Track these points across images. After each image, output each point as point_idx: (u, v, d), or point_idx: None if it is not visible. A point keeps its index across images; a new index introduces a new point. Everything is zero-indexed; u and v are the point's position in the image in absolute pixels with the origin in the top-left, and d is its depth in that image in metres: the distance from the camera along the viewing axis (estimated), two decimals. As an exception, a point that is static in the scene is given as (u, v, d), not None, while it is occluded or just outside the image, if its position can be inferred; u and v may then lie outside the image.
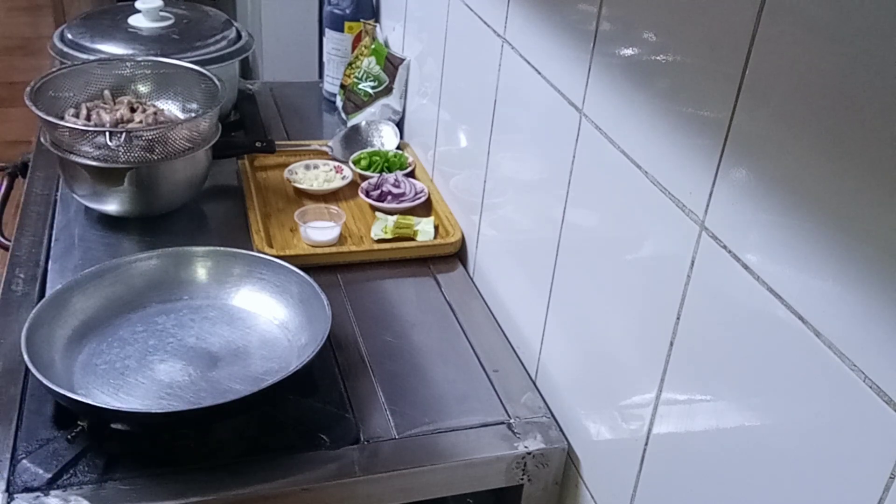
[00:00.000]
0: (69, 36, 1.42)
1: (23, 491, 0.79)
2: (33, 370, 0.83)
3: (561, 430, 0.93)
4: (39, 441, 0.85)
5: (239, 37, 1.51)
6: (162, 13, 1.46)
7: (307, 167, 1.37)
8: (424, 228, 1.23)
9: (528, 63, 0.97)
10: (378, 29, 1.57)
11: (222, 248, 1.06)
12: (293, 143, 1.46)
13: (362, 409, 0.93)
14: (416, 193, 1.31)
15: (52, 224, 1.21)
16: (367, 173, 1.36)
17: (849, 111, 0.52)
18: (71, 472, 0.82)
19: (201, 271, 1.05)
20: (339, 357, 1.00)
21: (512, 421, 0.94)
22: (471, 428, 0.92)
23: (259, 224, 1.21)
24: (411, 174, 1.38)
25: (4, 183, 1.34)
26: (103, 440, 0.84)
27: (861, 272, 0.52)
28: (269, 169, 1.39)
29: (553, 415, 0.95)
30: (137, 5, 1.44)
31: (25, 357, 0.84)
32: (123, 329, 0.98)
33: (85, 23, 1.46)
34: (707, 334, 0.68)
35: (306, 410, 0.91)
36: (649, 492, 0.78)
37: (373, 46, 1.52)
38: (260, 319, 1.01)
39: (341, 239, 1.21)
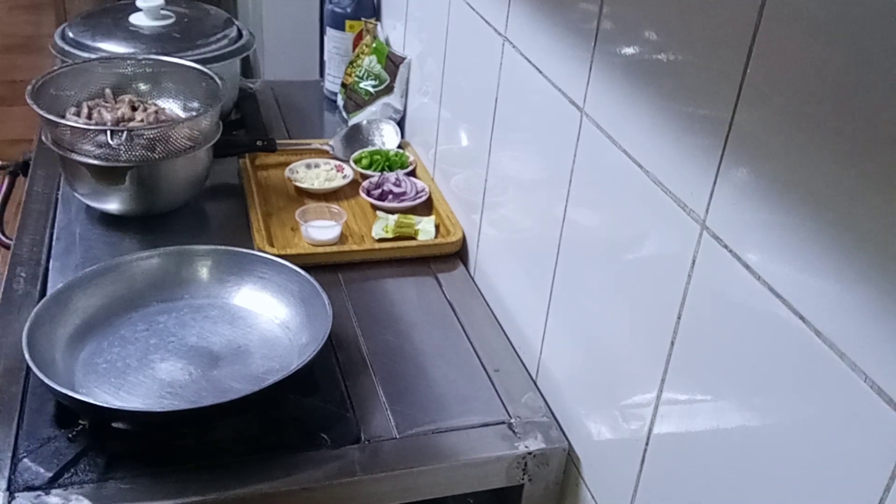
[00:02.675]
0: (70, 34, 1.42)
1: (24, 490, 0.80)
2: (34, 369, 0.83)
3: (561, 429, 0.93)
4: (40, 440, 0.85)
5: (240, 35, 1.51)
6: (163, 12, 1.46)
7: (308, 166, 1.37)
8: (425, 228, 1.23)
9: (530, 62, 0.97)
10: (379, 27, 1.57)
11: (223, 247, 1.07)
12: (294, 142, 1.46)
13: (363, 408, 0.93)
14: (417, 193, 1.31)
15: (53, 223, 1.21)
16: (369, 172, 1.36)
17: (849, 111, 0.52)
18: (72, 470, 0.82)
19: (202, 270, 1.05)
20: (340, 356, 1.00)
21: (512, 421, 0.94)
22: (471, 428, 0.92)
23: (260, 223, 1.21)
24: (412, 173, 1.38)
25: (6, 182, 1.34)
26: (104, 439, 0.84)
27: (861, 272, 0.52)
28: (270, 168, 1.39)
29: (553, 415, 0.95)
30: (138, 4, 1.44)
31: (27, 356, 0.85)
32: (124, 328, 0.98)
33: (86, 21, 1.46)
34: (708, 334, 0.68)
35: (307, 410, 0.91)
36: (650, 492, 0.78)
37: (374, 45, 1.52)
38: (261, 318, 1.01)
39: (342, 238, 1.21)
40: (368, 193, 1.30)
